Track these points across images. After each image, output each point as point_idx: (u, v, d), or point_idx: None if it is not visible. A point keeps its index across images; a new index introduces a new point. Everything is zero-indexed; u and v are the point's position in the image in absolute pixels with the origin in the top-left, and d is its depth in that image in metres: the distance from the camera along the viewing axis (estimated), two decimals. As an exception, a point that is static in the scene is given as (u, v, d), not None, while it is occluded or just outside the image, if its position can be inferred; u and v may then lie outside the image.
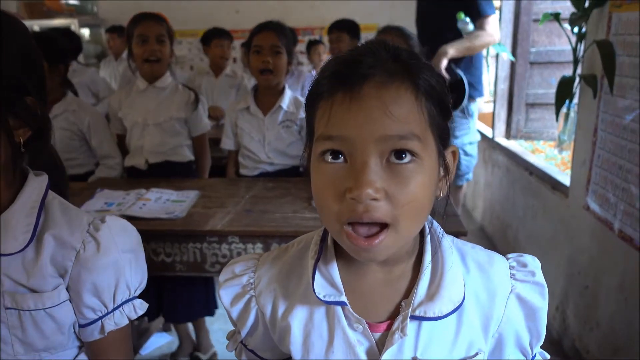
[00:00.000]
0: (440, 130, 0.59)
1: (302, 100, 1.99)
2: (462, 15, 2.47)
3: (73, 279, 0.76)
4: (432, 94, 0.57)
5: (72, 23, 5.13)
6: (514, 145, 3.06)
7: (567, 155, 2.53)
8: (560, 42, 3.08)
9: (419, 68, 0.57)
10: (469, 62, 2.63)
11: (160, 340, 2.31)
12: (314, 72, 3.65)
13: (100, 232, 0.77)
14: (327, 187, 0.57)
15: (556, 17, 2.27)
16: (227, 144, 2.06)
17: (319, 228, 0.71)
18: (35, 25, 5.33)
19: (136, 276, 0.82)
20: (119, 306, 0.80)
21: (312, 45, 4.22)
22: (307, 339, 0.65)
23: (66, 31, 3.38)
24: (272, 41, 1.88)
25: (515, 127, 3.23)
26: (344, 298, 0.63)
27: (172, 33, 2.02)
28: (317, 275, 0.64)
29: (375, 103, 0.54)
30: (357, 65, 0.55)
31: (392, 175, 0.54)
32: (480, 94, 2.79)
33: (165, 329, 2.35)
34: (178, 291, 1.86)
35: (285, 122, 1.94)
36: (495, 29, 2.55)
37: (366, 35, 5.37)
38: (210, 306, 1.97)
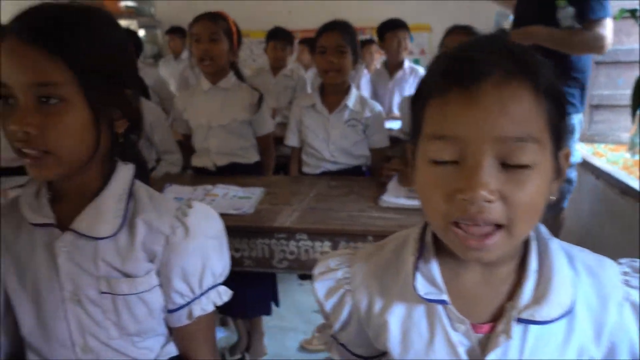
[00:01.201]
0: (557, 131, 0.57)
1: (368, 99, 2.00)
2: (562, 2, 1.97)
3: (163, 264, 0.79)
4: (551, 92, 0.55)
5: (131, 24, 5.31)
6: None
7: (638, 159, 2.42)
8: (629, 41, 2.94)
9: (538, 65, 0.56)
10: (575, 64, 2.05)
11: (217, 334, 2.36)
12: (366, 72, 3.63)
13: (188, 218, 0.80)
14: (435, 186, 0.56)
15: (632, 13, 2.18)
16: (291, 140, 2.08)
17: (414, 226, 0.71)
18: (98, 26, 5.56)
19: (220, 262, 0.84)
20: (205, 292, 0.82)
21: (364, 44, 4.21)
22: (405, 337, 0.65)
23: (129, 31, 3.50)
24: (336, 41, 1.89)
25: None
26: (445, 297, 0.62)
27: (232, 32, 2.03)
28: (418, 273, 0.64)
29: (492, 102, 0.53)
30: (472, 63, 0.54)
31: (508, 178, 0.53)
32: (582, 108, 2.20)
33: (223, 324, 2.40)
34: (236, 286, 1.88)
35: (351, 120, 1.94)
36: (606, 36, 1.90)
37: (418, 35, 5.32)
38: (267, 305, 1.98)
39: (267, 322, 2.26)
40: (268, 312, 1.99)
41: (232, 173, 2.02)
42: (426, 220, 0.63)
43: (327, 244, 1.47)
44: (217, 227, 0.85)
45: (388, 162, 1.96)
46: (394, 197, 1.63)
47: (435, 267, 0.64)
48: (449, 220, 0.55)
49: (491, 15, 5.10)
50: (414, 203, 1.57)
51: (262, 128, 2.08)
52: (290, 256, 1.50)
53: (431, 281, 0.63)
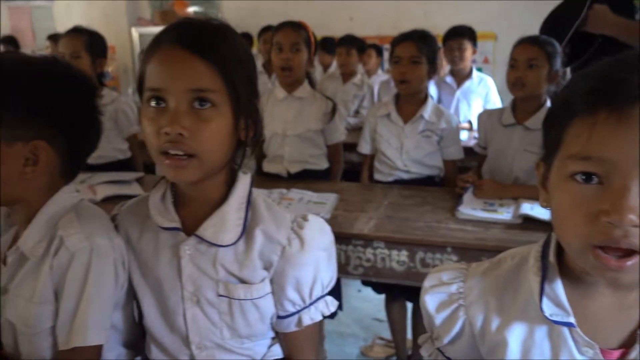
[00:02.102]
0: None
1: (445, 110, 1.98)
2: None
3: (277, 273, 0.82)
4: None
5: (199, 29, 5.50)
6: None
7: None
8: None
9: None
10: None
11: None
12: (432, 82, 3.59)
13: (304, 230, 0.83)
14: (576, 207, 0.55)
15: None
16: (364, 148, 2.10)
17: (531, 244, 0.70)
18: (167, 30, 5.79)
19: (329, 274, 0.86)
20: (314, 302, 0.85)
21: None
22: (526, 356, 0.65)
23: None
24: (411, 52, 1.89)
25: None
26: (572, 319, 0.61)
27: (311, 42, 2.07)
28: (543, 294, 0.63)
29: None
30: (626, 84, 0.53)
31: None
32: None
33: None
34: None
35: (426, 131, 1.94)
36: None
37: (483, 44, 5.22)
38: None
39: (326, 327, 2.28)
40: (332, 315, 2.01)
41: (303, 179, 2.05)
42: (559, 240, 0.62)
43: (404, 253, 1.47)
44: (329, 239, 0.87)
45: (461, 173, 1.94)
46: (471, 209, 1.61)
47: (560, 288, 0.63)
48: (589, 242, 0.54)
49: (560, 24, 4.96)
50: (493, 216, 1.55)
51: (333, 136, 2.11)
52: (366, 263, 1.51)
53: (556, 302, 0.62)
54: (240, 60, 0.77)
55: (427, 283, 0.75)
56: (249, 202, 0.83)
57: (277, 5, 5.56)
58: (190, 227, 0.82)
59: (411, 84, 1.90)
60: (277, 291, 0.83)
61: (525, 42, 1.77)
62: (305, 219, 0.85)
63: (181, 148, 0.73)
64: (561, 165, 0.58)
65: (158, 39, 0.76)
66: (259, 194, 0.86)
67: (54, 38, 5.22)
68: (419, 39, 1.92)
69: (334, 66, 4.39)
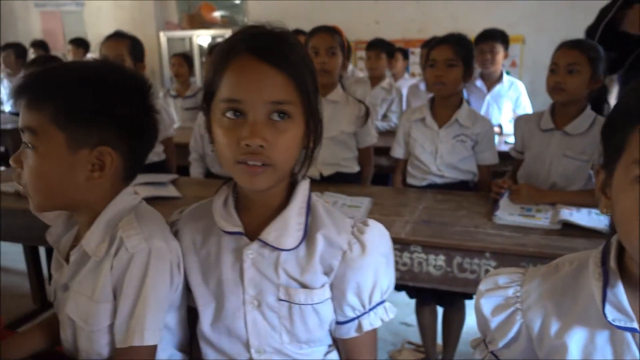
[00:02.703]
0: None
1: (479, 114, 1.98)
2: None
3: (338, 278, 0.82)
4: None
5: (226, 32, 5.56)
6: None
7: None
8: None
9: None
10: None
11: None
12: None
13: (365, 235, 0.83)
14: None
15: None
16: (397, 152, 2.10)
17: (589, 250, 0.70)
18: (195, 34, 5.88)
19: (388, 279, 0.86)
20: (373, 307, 0.85)
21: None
22: None
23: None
24: (447, 55, 1.89)
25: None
26: (635, 325, 0.61)
27: (345, 46, 2.09)
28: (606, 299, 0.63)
29: None
30: None
31: None
32: None
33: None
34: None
35: (460, 136, 1.93)
36: None
37: (510, 47, 5.17)
38: None
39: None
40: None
41: (335, 182, 2.07)
42: (624, 245, 0.61)
43: (441, 258, 1.47)
44: (388, 245, 0.88)
45: (496, 178, 1.92)
46: (508, 214, 1.60)
47: (622, 294, 0.63)
48: None
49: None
50: (531, 222, 1.54)
51: (365, 140, 2.12)
52: (402, 267, 1.51)
53: (619, 308, 0.62)
54: (309, 68, 0.79)
55: (482, 286, 0.75)
56: (309, 207, 0.84)
57: (303, 9, 5.59)
58: (252, 232, 0.83)
59: (446, 86, 1.90)
60: (338, 296, 0.84)
61: (565, 46, 1.74)
62: (365, 224, 0.86)
63: (260, 159, 0.74)
64: (625, 171, 0.58)
65: (231, 49, 0.76)
66: (318, 199, 0.88)
67: (75, 42, 5.36)
68: (455, 42, 1.92)
69: (350, 70, 4.40)
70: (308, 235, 0.82)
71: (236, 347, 0.86)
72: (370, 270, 0.83)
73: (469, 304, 2.13)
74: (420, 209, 1.72)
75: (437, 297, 1.94)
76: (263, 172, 0.76)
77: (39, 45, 5.49)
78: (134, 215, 0.86)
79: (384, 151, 2.58)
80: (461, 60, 1.89)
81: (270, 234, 0.81)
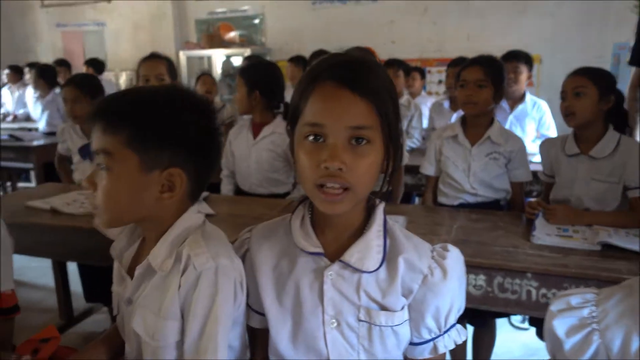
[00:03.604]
0: None
1: (511, 132, 1.99)
2: None
3: (417, 301, 0.84)
4: None
5: (245, 52, 5.64)
6: None
7: None
8: None
9: None
10: None
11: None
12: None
13: (447, 261, 0.85)
14: None
15: None
16: (428, 169, 2.11)
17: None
18: (214, 54, 5.97)
19: (461, 301, 0.87)
20: (448, 330, 0.86)
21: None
22: None
23: (262, 63, 3.72)
24: (477, 76, 1.91)
25: None
26: None
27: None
28: None
29: None
30: None
31: None
32: None
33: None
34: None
35: (493, 153, 1.94)
36: None
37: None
38: None
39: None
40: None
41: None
42: None
43: (481, 278, 1.47)
44: (463, 268, 0.89)
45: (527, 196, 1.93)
46: (546, 234, 1.60)
47: None
48: None
49: (607, 46, 4.90)
50: (569, 243, 1.54)
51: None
52: (442, 287, 1.51)
53: None
54: (391, 95, 0.80)
55: (554, 308, 0.76)
56: (386, 230, 0.86)
57: (320, 29, 5.67)
58: (330, 252, 0.85)
59: (477, 106, 1.92)
60: (415, 318, 0.85)
61: (571, 74, 1.82)
62: (445, 249, 0.87)
63: (338, 181, 0.76)
64: None
65: (316, 75, 0.79)
66: (397, 219, 0.89)
67: (89, 63, 5.47)
68: (486, 64, 1.95)
69: None
70: (388, 258, 0.84)
71: None
72: (449, 294, 0.84)
73: (499, 324, 2.12)
74: (456, 228, 1.72)
75: (468, 316, 1.93)
76: (342, 199, 0.77)
77: (62, 63, 5.62)
78: (200, 234, 0.88)
79: (408, 170, 2.59)
80: (491, 81, 1.91)
81: (352, 255, 0.82)
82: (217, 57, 6.05)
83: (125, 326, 0.93)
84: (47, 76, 4.53)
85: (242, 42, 5.98)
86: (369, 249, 0.83)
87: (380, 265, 0.83)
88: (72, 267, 2.72)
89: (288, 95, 4.20)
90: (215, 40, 5.87)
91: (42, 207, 2.01)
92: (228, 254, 0.87)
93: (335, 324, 0.84)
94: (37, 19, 7.33)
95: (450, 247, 0.88)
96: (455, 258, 0.87)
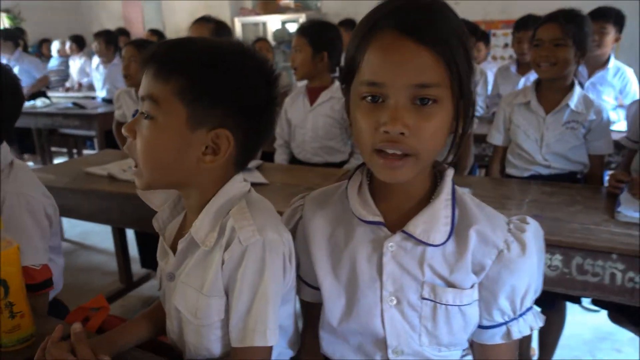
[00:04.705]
0: None
1: (594, 100, 1.78)
2: None
3: (490, 278, 0.74)
4: None
5: (300, 17, 5.52)
6: None
7: None
8: None
9: None
10: None
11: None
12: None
13: (526, 234, 0.74)
14: None
15: None
16: (496, 138, 1.95)
17: None
18: (270, 20, 5.88)
19: (539, 282, 0.77)
20: (523, 313, 0.76)
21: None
22: None
23: (327, 23, 3.59)
24: (554, 34, 1.71)
25: None
26: None
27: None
28: None
29: None
30: None
31: None
32: None
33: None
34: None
35: (571, 122, 1.75)
36: None
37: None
38: None
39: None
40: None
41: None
42: None
43: (557, 258, 1.33)
44: (542, 244, 0.79)
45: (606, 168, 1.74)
46: (633, 210, 1.42)
47: None
48: None
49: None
50: (662, 220, 1.36)
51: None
52: (511, 266, 1.38)
53: None
54: (463, 43, 0.68)
55: None
56: (454, 199, 0.75)
57: (379, -7, 5.43)
58: (391, 222, 0.76)
59: (554, 67, 1.72)
60: (487, 298, 0.75)
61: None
62: (524, 221, 0.76)
63: (400, 147, 0.66)
64: None
65: (374, 24, 0.68)
66: (464, 191, 0.78)
67: (152, 32, 5.48)
68: (565, 19, 1.73)
69: None
70: (456, 230, 0.74)
71: (370, 346, 0.79)
72: (526, 273, 0.74)
73: (570, 308, 1.97)
74: (528, 202, 1.57)
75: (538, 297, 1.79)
76: (403, 165, 0.67)
77: (122, 32, 5.71)
78: (246, 205, 0.80)
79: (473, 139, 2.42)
80: (571, 40, 1.70)
81: (417, 226, 0.73)
82: (272, 23, 5.95)
83: (167, 303, 0.88)
84: (111, 41, 4.61)
85: (297, 8, 5.85)
86: (435, 220, 0.73)
87: (448, 238, 0.73)
88: (131, 233, 2.78)
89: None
90: (270, 6, 5.79)
91: (100, 174, 2.02)
92: (276, 227, 0.79)
93: (394, 302, 0.76)
94: (99, -12, 7.48)
95: (530, 219, 0.77)
96: (535, 232, 0.76)
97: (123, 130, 0.79)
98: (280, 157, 2.29)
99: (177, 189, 0.86)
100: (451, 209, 0.74)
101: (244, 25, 6.06)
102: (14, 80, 1.17)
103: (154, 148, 0.76)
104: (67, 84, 5.92)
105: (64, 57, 6.33)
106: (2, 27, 6.14)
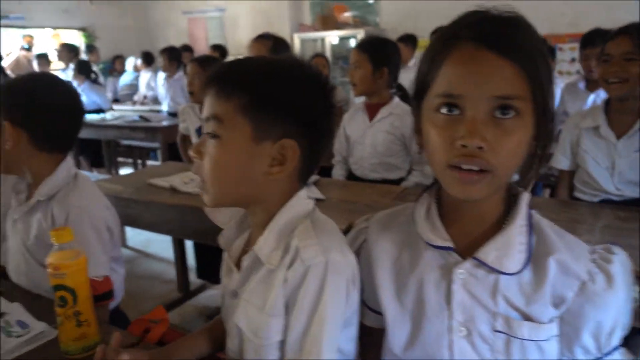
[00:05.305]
0: None
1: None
2: None
3: (572, 313, 0.69)
4: None
5: (358, 33, 5.54)
6: None
7: None
8: None
9: None
10: None
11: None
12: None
13: (612, 265, 0.69)
14: None
15: None
16: (562, 163, 1.84)
17: None
18: (328, 35, 5.94)
19: (627, 318, 0.71)
20: (609, 352, 0.70)
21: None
22: None
23: (386, 39, 3.59)
24: (624, 48, 1.60)
25: None
26: None
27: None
28: None
29: None
30: None
31: None
32: None
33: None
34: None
35: (646, 148, 1.63)
36: None
37: None
38: None
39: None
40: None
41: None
42: None
43: (636, 290, 1.23)
44: (630, 277, 0.73)
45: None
46: None
47: None
48: None
49: None
50: None
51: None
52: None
53: None
54: (545, 59, 0.65)
55: None
56: (530, 225, 0.72)
57: (435, 6, 5.36)
58: (461, 248, 0.73)
59: (625, 85, 1.61)
60: (568, 334, 0.70)
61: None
62: (609, 251, 0.71)
63: (477, 162, 0.63)
64: None
65: (453, 36, 0.66)
66: (541, 216, 0.74)
67: (214, 48, 5.66)
68: (638, 32, 1.62)
69: (412, 62, 4.20)
70: (534, 259, 0.70)
71: None
72: (613, 308, 0.68)
73: None
74: (600, 228, 1.47)
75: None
76: (479, 180, 0.64)
77: (186, 49, 5.95)
78: (310, 223, 0.79)
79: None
80: None
81: (489, 253, 0.69)
82: (331, 39, 6.01)
83: (228, 320, 0.88)
84: (174, 57, 4.81)
85: (356, 23, 5.87)
86: (510, 247, 0.69)
87: (524, 267, 0.69)
88: (190, 244, 2.85)
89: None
90: (329, 21, 5.84)
91: (162, 185, 2.09)
92: (340, 248, 0.78)
93: (464, 332, 0.72)
94: (166, 6, 7.84)
95: (616, 249, 0.71)
96: (623, 263, 0.70)
97: (190, 153, 0.81)
98: (337, 172, 2.28)
99: (244, 206, 0.87)
100: (527, 236, 0.70)
101: (303, 41, 6.16)
102: (76, 97, 1.23)
103: (222, 165, 0.77)
104: (135, 98, 6.23)
105: (137, 72, 6.68)
106: (77, 44, 6.55)
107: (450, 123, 0.65)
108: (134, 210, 2.06)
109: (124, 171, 5.34)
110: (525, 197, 0.72)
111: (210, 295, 2.83)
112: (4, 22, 6.58)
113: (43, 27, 7.29)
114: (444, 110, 0.65)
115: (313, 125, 0.79)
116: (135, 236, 3.63)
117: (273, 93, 0.76)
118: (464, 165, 0.64)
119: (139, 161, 5.49)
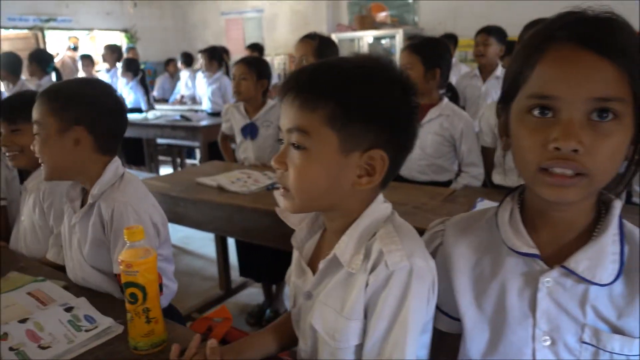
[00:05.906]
0: None
1: None
2: None
3: None
4: None
5: (397, 32, 5.50)
6: None
7: None
8: None
9: None
10: None
11: None
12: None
13: None
14: None
15: None
16: None
17: None
18: (366, 35, 5.92)
19: None
20: None
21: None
22: None
23: (436, 39, 3.56)
24: None
25: None
26: None
27: None
28: None
29: None
30: None
31: None
32: None
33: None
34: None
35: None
36: None
37: None
38: None
39: None
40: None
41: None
42: None
43: None
44: None
45: None
46: None
47: None
48: None
49: None
50: None
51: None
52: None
53: None
54: None
55: None
56: (622, 234, 0.69)
57: (476, 6, 5.28)
58: (547, 255, 0.71)
59: None
60: None
61: None
62: None
63: (571, 166, 0.61)
64: None
65: (548, 36, 0.64)
66: (633, 225, 0.71)
67: (251, 47, 5.69)
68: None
69: (453, 60, 4.15)
70: (626, 270, 0.67)
71: None
72: None
73: None
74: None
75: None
76: (574, 184, 0.62)
77: (223, 51, 6.02)
78: (392, 228, 0.78)
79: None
80: None
81: (580, 262, 0.67)
82: (368, 39, 5.98)
83: (301, 321, 0.87)
84: (214, 57, 4.87)
85: (394, 23, 5.83)
86: (602, 257, 0.66)
87: (617, 278, 0.66)
88: (232, 241, 2.88)
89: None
90: (366, 21, 5.82)
91: (210, 184, 2.11)
92: (423, 254, 0.76)
93: (548, 342, 0.70)
94: (204, 7, 7.97)
95: None
96: None
97: (272, 164, 0.79)
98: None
99: (324, 212, 0.85)
100: (619, 245, 0.67)
101: (340, 41, 6.13)
102: (120, 101, 1.26)
103: (309, 177, 0.76)
104: (176, 97, 6.34)
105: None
106: (119, 44, 6.73)
107: (542, 125, 0.63)
108: (181, 208, 2.09)
109: (164, 169, 5.45)
110: (618, 205, 0.69)
111: (251, 293, 2.85)
112: (52, 24, 6.81)
113: (89, 29, 7.51)
114: (536, 112, 0.63)
115: (401, 131, 0.77)
116: (175, 233, 3.67)
117: (359, 101, 0.74)
118: (556, 169, 0.62)
119: (178, 160, 5.59)
